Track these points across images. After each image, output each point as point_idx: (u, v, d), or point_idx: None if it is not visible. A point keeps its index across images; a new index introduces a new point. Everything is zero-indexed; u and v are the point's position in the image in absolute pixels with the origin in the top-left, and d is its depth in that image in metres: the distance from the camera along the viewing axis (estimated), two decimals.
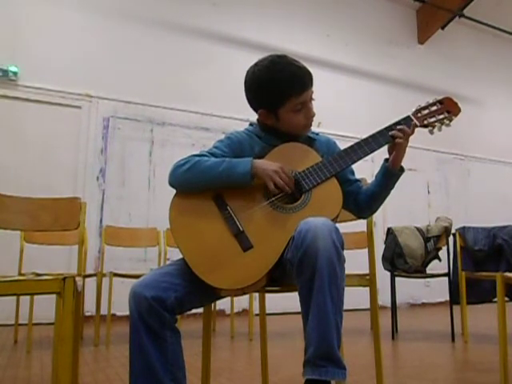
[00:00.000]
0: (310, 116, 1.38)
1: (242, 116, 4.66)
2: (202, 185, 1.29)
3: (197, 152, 1.37)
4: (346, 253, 1.11)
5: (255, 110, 1.42)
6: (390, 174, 1.38)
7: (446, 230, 3.29)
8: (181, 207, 1.29)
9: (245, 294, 1.21)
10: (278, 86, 1.32)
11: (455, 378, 2.07)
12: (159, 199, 4.70)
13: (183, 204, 1.30)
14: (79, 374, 1.84)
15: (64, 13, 4.68)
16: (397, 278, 3.36)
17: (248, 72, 1.40)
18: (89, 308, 3.76)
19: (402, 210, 5.70)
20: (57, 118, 4.54)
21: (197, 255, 1.21)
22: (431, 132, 1.42)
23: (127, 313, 1.14)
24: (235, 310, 4.03)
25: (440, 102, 1.42)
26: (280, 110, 1.36)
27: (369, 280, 1.64)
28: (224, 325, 3.99)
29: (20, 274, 2.94)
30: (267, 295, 1.53)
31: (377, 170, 1.42)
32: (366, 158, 1.34)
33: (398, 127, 1.35)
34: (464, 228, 3.25)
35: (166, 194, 1.39)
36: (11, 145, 4.30)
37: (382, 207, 1.47)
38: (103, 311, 3.10)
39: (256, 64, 1.38)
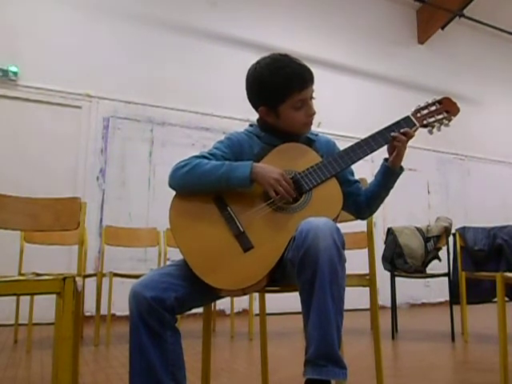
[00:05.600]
0: (310, 114, 1.39)
1: (242, 116, 4.66)
2: (201, 188, 1.29)
3: (197, 152, 1.37)
4: (346, 253, 1.11)
5: (256, 107, 1.43)
6: (390, 174, 1.39)
7: (446, 230, 3.29)
8: (181, 208, 1.29)
9: (245, 294, 1.21)
10: (279, 82, 1.32)
11: (455, 378, 2.07)
12: (159, 199, 4.70)
13: (183, 205, 1.30)
14: (79, 373, 1.84)
15: (64, 13, 4.68)
16: (397, 278, 3.36)
17: (250, 69, 1.41)
18: (89, 308, 3.76)
19: (402, 210, 5.71)
20: (57, 118, 4.54)
21: (197, 256, 1.21)
22: (430, 132, 1.43)
23: (127, 313, 1.14)
24: (235, 310, 4.03)
25: (439, 102, 1.43)
26: (280, 107, 1.36)
27: (369, 280, 1.64)
28: (224, 325, 3.99)
29: (20, 274, 2.93)
30: (267, 295, 1.53)
31: (376, 170, 1.43)
32: (366, 157, 1.35)
33: (402, 131, 1.35)
34: (464, 228, 3.25)
35: (166, 194, 1.39)
36: (11, 145, 4.30)
37: (381, 207, 1.47)
38: (103, 311, 3.10)
39: (258, 62, 1.39)
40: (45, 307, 2.90)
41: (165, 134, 4.97)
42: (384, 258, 3.43)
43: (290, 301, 1.92)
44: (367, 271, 1.68)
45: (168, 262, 3.33)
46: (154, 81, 5.00)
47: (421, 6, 6.82)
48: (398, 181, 1.42)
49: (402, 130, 1.35)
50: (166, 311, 1.12)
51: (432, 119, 1.41)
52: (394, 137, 1.34)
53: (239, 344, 3.08)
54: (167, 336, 1.13)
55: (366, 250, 1.69)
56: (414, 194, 6.19)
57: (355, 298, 3.10)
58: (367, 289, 1.64)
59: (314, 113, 1.40)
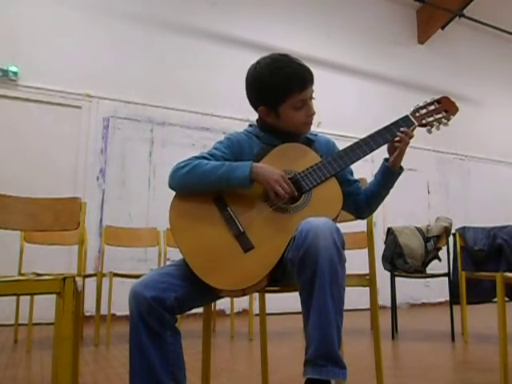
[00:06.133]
0: (310, 114, 1.39)
1: (242, 116, 4.66)
2: (201, 188, 1.29)
3: (197, 153, 1.37)
4: (346, 253, 1.11)
5: (255, 107, 1.43)
6: (390, 174, 1.39)
7: (446, 230, 3.29)
8: (181, 208, 1.29)
9: (245, 295, 1.21)
10: (280, 82, 1.32)
11: (455, 378, 2.07)
12: (159, 199, 4.70)
13: (183, 205, 1.30)
14: (79, 373, 1.84)
15: (64, 13, 4.68)
16: (397, 278, 3.36)
17: (250, 69, 1.41)
18: (89, 308, 3.76)
19: (402, 210, 5.70)
20: (57, 118, 4.54)
21: (197, 256, 1.21)
22: (429, 131, 1.43)
23: (127, 313, 1.14)
24: (235, 310, 4.03)
25: (438, 101, 1.43)
26: (280, 107, 1.36)
27: (369, 280, 1.64)
28: (224, 325, 3.99)
29: (20, 274, 2.93)
30: (267, 295, 1.53)
31: (376, 170, 1.43)
32: (366, 157, 1.35)
33: (403, 129, 1.35)
34: (464, 228, 3.24)
35: (166, 194, 1.39)
36: (11, 145, 4.30)
37: (381, 207, 1.47)
38: (103, 311, 3.10)
39: (258, 62, 1.39)
40: (45, 307, 2.90)
41: (165, 134, 4.97)
42: (384, 258, 3.43)
43: (290, 301, 1.92)
44: (367, 271, 1.68)
45: (168, 262, 3.33)
46: (154, 81, 5.00)
47: (421, 5, 6.82)
48: (397, 180, 1.42)
49: (401, 129, 1.35)
50: (165, 311, 1.12)
51: (431, 118, 1.41)
52: (397, 136, 1.34)
53: (239, 344, 3.08)
54: (167, 336, 1.13)
55: (366, 250, 1.69)
56: (414, 193, 6.19)
57: (355, 298, 3.10)
58: (367, 289, 1.64)
59: (314, 113, 1.40)
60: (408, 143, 1.35)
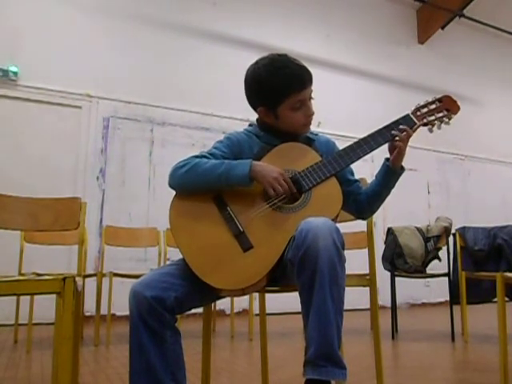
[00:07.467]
0: (309, 114, 1.38)
1: (242, 116, 4.66)
2: (201, 187, 1.29)
3: (197, 152, 1.37)
4: (345, 253, 1.10)
5: (254, 108, 1.42)
6: (391, 173, 1.39)
7: (446, 230, 3.29)
8: (181, 208, 1.29)
9: (245, 294, 1.20)
10: (278, 83, 1.32)
11: (455, 378, 2.07)
12: (159, 199, 4.70)
13: (183, 205, 1.30)
14: (79, 373, 1.84)
15: (64, 13, 4.68)
16: (397, 278, 3.36)
17: (248, 70, 1.40)
18: (89, 308, 3.76)
19: (402, 210, 5.70)
20: (57, 118, 4.54)
21: (197, 256, 1.21)
22: (430, 130, 1.42)
23: (127, 313, 1.14)
24: (235, 310, 4.03)
25: (439, 100, 1.42)
26: (279, 108, 1.36)
27: (369, 280, 1.64)
28: (224, 325, 3.99)
29: (20, 274, 2.93)
30: (267, 295, 1.53)
31: (377, 170, 1.42)
32: (366, 157, 1.34)
33: (401, 127, 1.34)
34: (464, 228, 3.24)
35: (166, 194, 1.39)
36: (11, 145, 4.30)
37: (381, 207, 1.47)
38: (103, 311, 3.10)
39: (256, 62, 1.39)
40: (45, 307, 2.90)
41: (165, 134, 4.97)
42: (384, 258, 3.43)
43: (290, 301, 1.92)
44: (367, 271, 1.68)
45: (168, 262, 3.32)
46: (154, 81, 5.00)
47: (421, 5, 6.82)
48: (398, 180, 1.42)
49: (401, 127, 1.35)
50: (165, 311, 1.12)
51: (432, 117, 1.40)
52: (395, 136, 1.34)
53: (239, 344, 3.08)
54: (167, 336, 1.13)
55: (366, 249, 1.69)
56: (414, 193, 6.19)
57: (355, 298, 3.09)
58: (367, 289, 1.65)
59: (313, 113, 1.39)
60: (407, 142, 1.35)
